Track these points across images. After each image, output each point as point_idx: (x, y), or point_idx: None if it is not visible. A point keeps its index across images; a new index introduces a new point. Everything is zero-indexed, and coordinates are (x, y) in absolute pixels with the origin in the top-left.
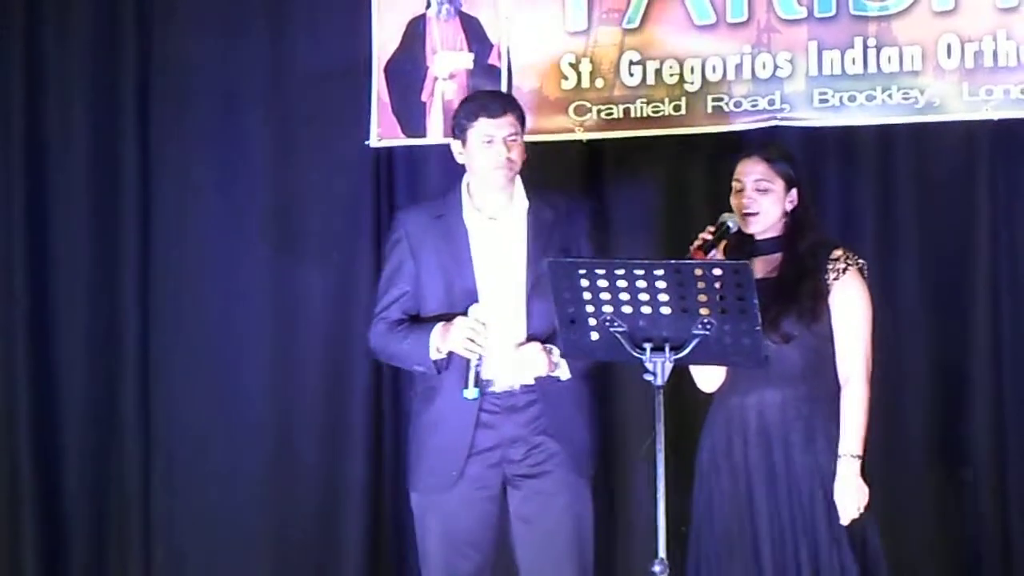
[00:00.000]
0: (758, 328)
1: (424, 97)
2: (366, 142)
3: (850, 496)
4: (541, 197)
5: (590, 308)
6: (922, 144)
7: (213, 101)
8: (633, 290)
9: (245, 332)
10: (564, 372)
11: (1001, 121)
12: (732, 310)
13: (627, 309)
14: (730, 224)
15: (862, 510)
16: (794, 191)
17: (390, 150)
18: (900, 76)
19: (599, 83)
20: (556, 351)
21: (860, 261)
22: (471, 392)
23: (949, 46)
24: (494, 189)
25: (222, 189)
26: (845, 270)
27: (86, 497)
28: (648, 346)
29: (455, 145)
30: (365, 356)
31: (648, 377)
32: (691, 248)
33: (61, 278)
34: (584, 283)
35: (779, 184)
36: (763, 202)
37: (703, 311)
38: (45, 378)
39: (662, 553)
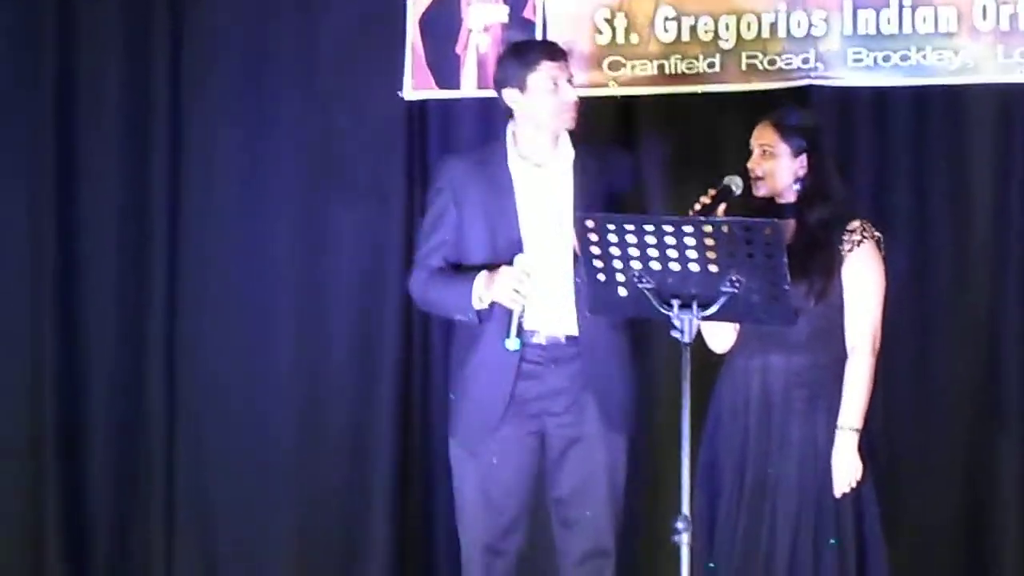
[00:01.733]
0: (787, 287)
1: (458, 49)
2: (399, 94)
3: (845, 469)
4: (587, 148)
5: (618, 264)
6: (956, 106)
7: (245, 50)
8: (662, 246)
9: (274, 283)
10: None
11: None
12: (761, 267)
13: (655, 265)
14: (732, 187)
15: (854, 485)
16: (804, 157)
17: (423, 102)
18: (935, 37)
19: (634, 38)
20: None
21: (877, 234)
22: (512, 343)
23: (984, 7)
24: (552, 136)
25: (253, 139)
26: (860, 242)
27: (111, 454)
28: (676, 303)
29: (510, 93)
30: (395, 306)
31: (675, 334)
32: (691, 211)
33: (90, 234)
34: (613, 238)
35: (784, 149)
36: (767, 167)
37: (732, 269)
38: (72, 332)
39: (685, 510)
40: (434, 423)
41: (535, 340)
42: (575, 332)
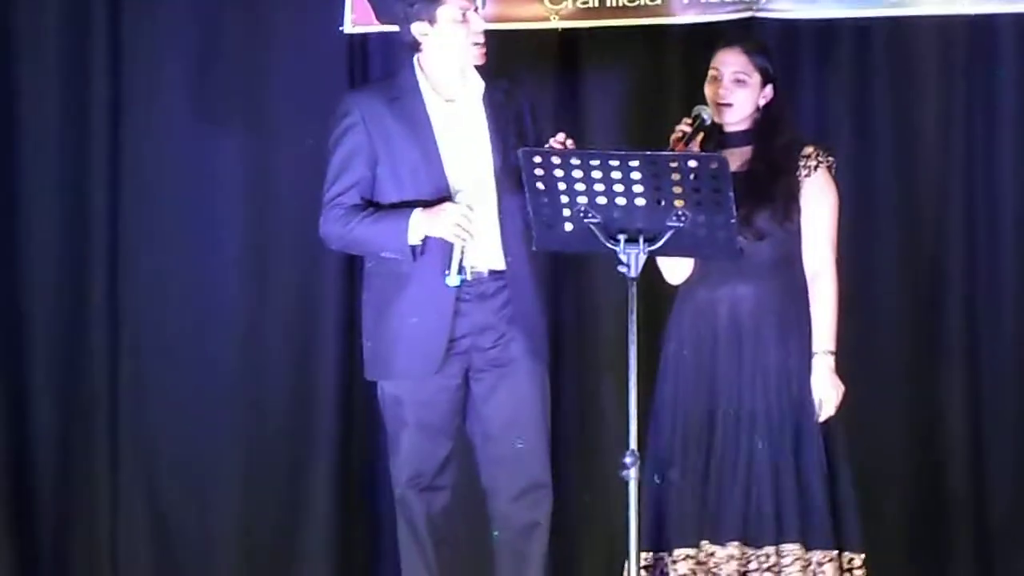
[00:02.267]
0: (733, 220)
1: None
2: (340, 28)
3: (829, 391)
4: (491, 80)
5: (564, 199)
6: (898, 39)
7: None
8: (608, 181)
9: (217, 219)
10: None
11: (977, 16)
12: (707, 202)
13: (601, 200)
14: (704, 116)
15: (835, 408)
16: (769, 86)
17: (364, 36)
18: None
19: None
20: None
21: (830, 159)
22: (454, 279)
23: None
24: (461, 69)
25: (194, 75)
26: (816, 167)
27: (53, 398)
28: (622, 237)
29: (418, 27)
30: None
31: (622, 269)
32: (671, 140)
33: (29, 179)
34: (558, 173)
35: (756, 77)
36: (739, 94)
37: (678, 203)
38: (13, 279)
39: (633, 444)
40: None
41: (463, 276)
42: (501, 267)
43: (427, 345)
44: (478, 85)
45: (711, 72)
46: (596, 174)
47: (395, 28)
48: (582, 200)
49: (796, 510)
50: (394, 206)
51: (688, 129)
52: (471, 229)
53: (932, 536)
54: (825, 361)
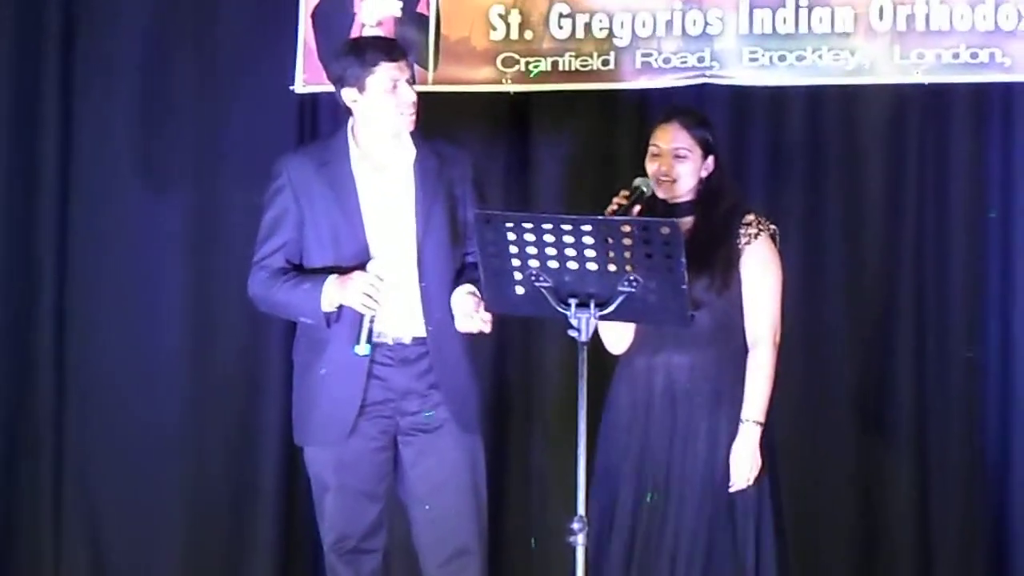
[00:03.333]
0: (684, 286)
1: None
2: (291, 87)
3: (744, 462)
4: (425, 145)
5: (516, 262)
6: (851, 107)
7: (141, 41)
8: (560, 245)
9: (164, 273)
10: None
11: (932, 85)
12: (659, 267)
13: (553, 264)
14: (644, 188)
15: (752, 480)
16: (711, 158)
17: (315, 95)
18: (831, 37)
19: (528, 35)
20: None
21: (772, 227)
22: (363, 348)
23: (881, 8)
24: (392, 136)
25: (143, 129)
26: (757, 235)
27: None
28: (573, 302)
29: (348, 93)
30: None
31: (572, 333)
32: (606, 213)
33: None
34: (511, 236)
35: (697, 151)
36: (680, 169)
37: (629, 268)
38: None
39: (581, 511)
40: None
41: (381, 341)
42: (422, 333)
43: (339, 411)
44: (409, 152)
45: (651, 148)
46: (548, 238)
47: None
48: (534, 264)
49: None
50: (316, 271)
51: (624, 202)
52: (379, 298)
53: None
54: (750, 431)
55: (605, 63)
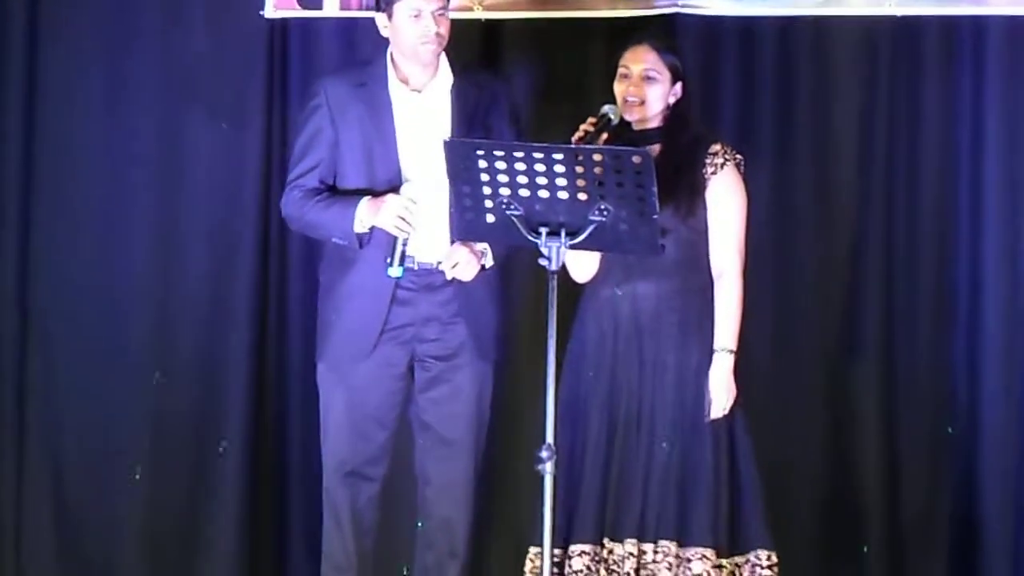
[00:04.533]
0: (655, 216)
1: None
2: (261, 12)
3: (721, 391)
4: (465, 74)
5: (487, 190)
6: (823, 38)
7: None
8: (531, 173)
9: (129, 202)
10: (489, 260)
11: (903, 17)
12: (630, 197)
13: (524, 192)
14: (611, 116)
15: (728, 408)
16: (679, 84)
17: (285, 21)
18: None
19: None
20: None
21: (738, 156)
22: (396, 270)
23: None
24: (420, 64)
25: (111, 57)
26: (723, 165)
27: None
28: (544, 231)
29: (380, 19)
30: (252, 224)
31: (543, 262)
32: (573, 140)
33: None
34: (482, 164)
35: (666, 75)
36: (649, 92)
37: (601, 197)
38: None
39: (550, 439)
40: (290, 347)
41: (408, 266)
42: (467, 277)
43: (360, 331)
44: (447, 78)
45: (620, 70)
46: (519, 166)
47: (314, 13)
48: (504, 192)
49: (691, 511)
50: (349, 192)
51: (591, 128)
52: (413, 222)
53: (844, 536)
54: (723, 359)
55: None
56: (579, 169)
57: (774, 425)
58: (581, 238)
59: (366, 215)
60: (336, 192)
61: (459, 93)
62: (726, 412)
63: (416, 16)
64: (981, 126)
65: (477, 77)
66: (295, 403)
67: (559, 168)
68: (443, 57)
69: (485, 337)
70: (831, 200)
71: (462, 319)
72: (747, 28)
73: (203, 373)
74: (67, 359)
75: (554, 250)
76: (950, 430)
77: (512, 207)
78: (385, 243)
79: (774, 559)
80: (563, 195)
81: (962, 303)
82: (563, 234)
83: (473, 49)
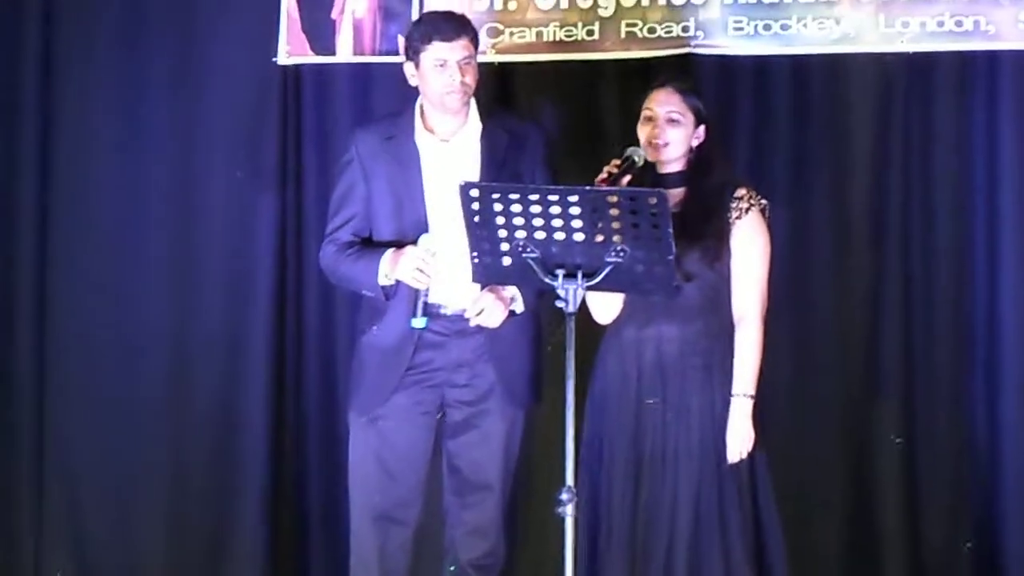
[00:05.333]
0: (671, 257)
1: (334, 15)
2: (274, 59)
3: (739, 436)
4: (495, 120)
5: (503, 233)
6: (836, 76)
7: (120, 15)
8: (547, 215)
9: (145, 250)
10: (519, 306)
11: (916, 54)
12: (646, 237)
13: (540, 235)
14: (635, 158)
15: (747, 453)
16: (702, 127)
17: (298, 67)
18: (816, 6)
19: (512, 5)
20: (510, 287)
21: (763, 201)
22: (419, 321)
23: None
24: (447, 113)
25: (125, 104)
26: (748, 210)
27: None
28: (560, 272)
29: (408, 67)
30: (267, 272)
31: (560, 304)
32: (596, 181)
33: None
34: (497, 207)
35: (689, 117)
36: (672, 134)
37: (617, 238)
38: None
39: (570, 481)
40: (307, 392)
41: (442, 312)
42: (495, 324)
43: (382, 378)
44: (475, 127)
45: (644, 112)
46: (535, 208)
47: (328, 59)
48: (521, 234)
49: (718, 553)
50: (380, 244)
51: (615, 171)
52: (431, 272)
53: (865, 572)
54: (742, 404)
55: (590, 33)
56: (595, 211)
57: (795, 466)
58: (598, 280)
59: (388, 268)
60: (367, 245)
61: (488, 140)
62: (744, 457)
63: (442, 65)
64: (995, 159)
65: (507, 123)
66: (313, 450)
67: (574, 210)
68: (472, 105)
69: (515, 382)
70: (847, 236)
71: (491, 364)
72: (761, 67)
73: (220, 422)
74: (84, 408)
75: (571, 292)
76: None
77: (528, 250)
78: (410, 294)
79: None
80: (579, 237)
81: (980, 339)
82: (580, 276)
83: (487, 92)
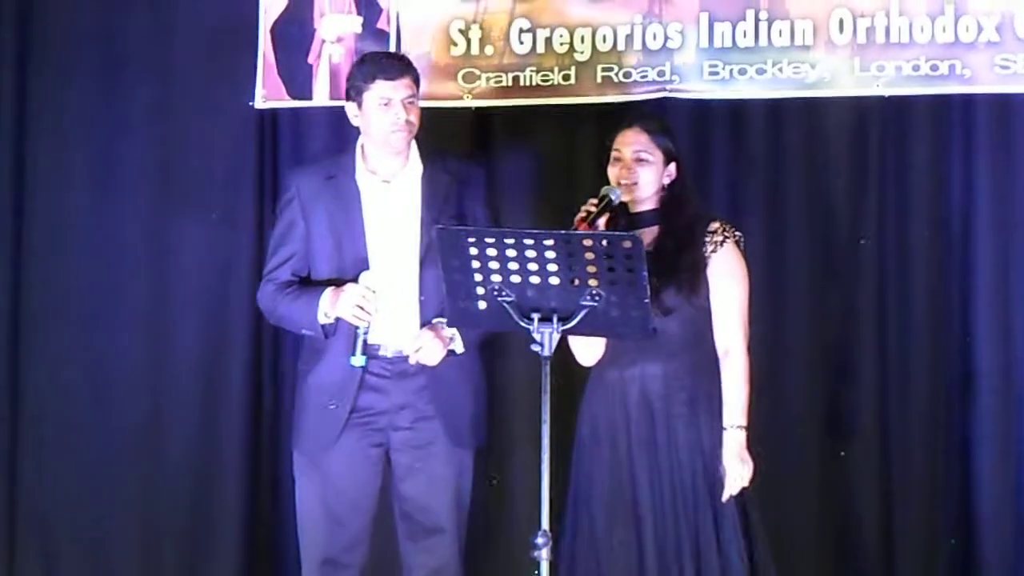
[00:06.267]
0: (647, 300)
1: (311, 59)
2: (251, 103)
3: (737, 468)
4: (436, 162)
5: (478, 277)
6: (812, 119)
7: (96, 57)
8: (522, 259)
9: (122, 292)
10: (459, 345)
11: (891, 98)
12: (621, 281)
13: (516, 279)
14: (612, 197)
15: (747, 482)
16: (673, 165)
17: (275, 111)
18: (791, 50)
19: (488, 50)
20: (447, 327)
21: (737, 233)
22: (358, 359)
23: (841, 21)
24: (390, 153)
25: (102, 146)
26: (723, 242)
27: None
28: (536, 316)
29: (350, 108)
30: (244, 315)
31: (535, 348)
32: (575, 220)
33: None
34: (473, 251)
35: (658, 156)
36: (642, 173)
37: (592, 282)
38: None
39: (545, 525)
40: (283, 437)
41: (381, 353)
42: (433, 363)
43: (327, 420)
44: (416, 167)
45: (613, 154)
46: (510, 252)
47: (304, 104)
48: (496, 278)
49: None
50: (319, 283)
51: (593, 209)
52: (371, 310)
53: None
54: (735, 436)
55: (566, 78)
56: (570, 255)
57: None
58: (573, 323)
59: (328, 306)
60: (305, 284)
61: (429, 181)
62: (745, 486)
63: (386, 104)
64: (971, 202)
65: (447, 164)
66: (289, 492)
67: (550, 254)
68: (413, 146)
69: (460, 424)
70: (824, 278)
71: (434, 406)
72: (736, 110)
73: (197, 464)
74: (59, 446)
75: (546, 336)
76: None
77: (504, 294)
78: (350, 332)
79: None
80: (554, 280)
81: (954, 372)
82: (555, 319)
83: (464, 136)
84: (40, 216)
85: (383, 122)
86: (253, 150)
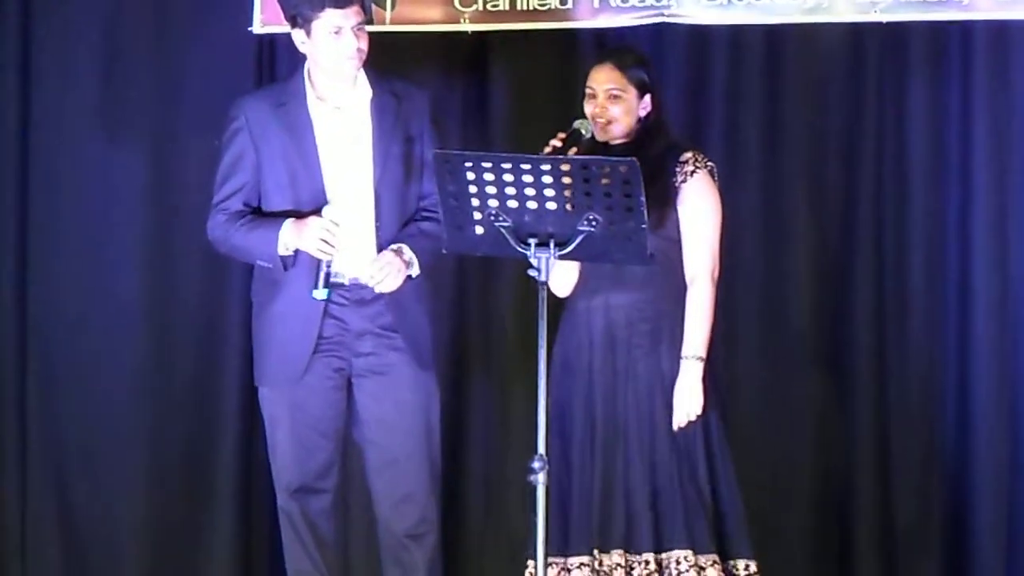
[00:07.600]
0: (644, 226)
1: None
2: (249, 28)
3: (686, 400)
4: (381, 85)
5: (475, 202)
6: (810, 46)
7: None
8: (519, 184)
9: (124, 221)
10: (415, 270)
11: (889, 24)
12: (618, 207)
13: (513, 204)
14: (582, 130)
15: (695, 416)
16: (648, 97)
17: (273, 37)
18: None
19: None
20: (406, 250)
21: (710, 163)
22: (320, 293)
23: None
24: (342, 80)
25: (100, 76)
26: (694, 172)
27: None
28: (533, 242)
29: (298, 35)
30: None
31: (532, 273)
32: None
33: None
34: (470, 176)
35: (632, 92)
36: (615, 110)
37: (589, 207)
38: None
39: (541, 449)
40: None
41: (338, 280)
42: (390, 289)
43: (293, 351)
44: (366, 92)
45: (587, 90)
46: (507, 177)
47: None
48: (493, 203)
49: (679, 516)
50: (274, 214)
51: (559, 144)
52: (335, 243)
53: (837, 544)
54: (691, 367)
55: (563, 2)
56: (567, 180)
57: (762, 434)
58: (570, 248)
59: (289, 238)
60: (261, 214)
61: (378, 106)
62: (692, 420)
63: (337, 32)
64: (968, 129)
65: (394, 87)
66: None
67: (547, 179)
68: (361, 71)
69: (422, 345)
70: (820, 206)
71: (397, 332)
72: (734, 36)
73: (198, 388)
74: (67, 373)
75: (543, 261)
76: None
77: (501, 219)
78: (310, 264)
79: (753, 568)
80: (551, 206)
81: (951, 306)
82: (552, 245)
83: (460, 61)
84: (43, 151)
85: (334, 51)
86: (252, 76)
